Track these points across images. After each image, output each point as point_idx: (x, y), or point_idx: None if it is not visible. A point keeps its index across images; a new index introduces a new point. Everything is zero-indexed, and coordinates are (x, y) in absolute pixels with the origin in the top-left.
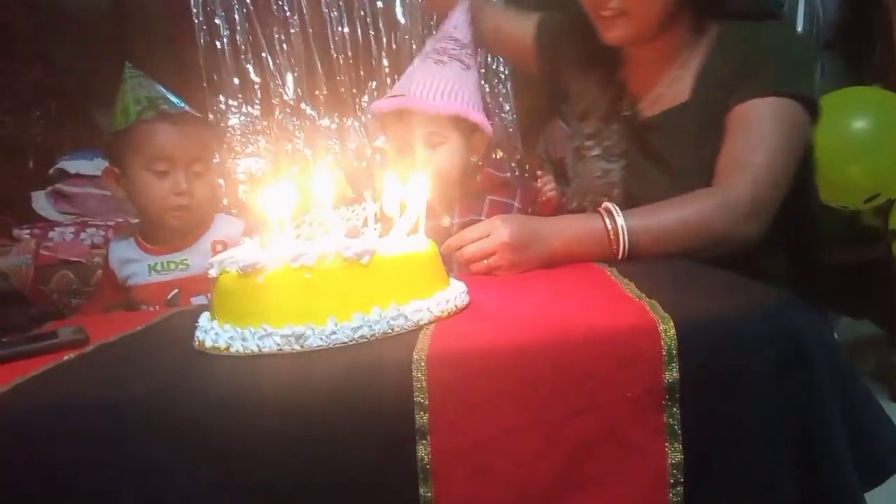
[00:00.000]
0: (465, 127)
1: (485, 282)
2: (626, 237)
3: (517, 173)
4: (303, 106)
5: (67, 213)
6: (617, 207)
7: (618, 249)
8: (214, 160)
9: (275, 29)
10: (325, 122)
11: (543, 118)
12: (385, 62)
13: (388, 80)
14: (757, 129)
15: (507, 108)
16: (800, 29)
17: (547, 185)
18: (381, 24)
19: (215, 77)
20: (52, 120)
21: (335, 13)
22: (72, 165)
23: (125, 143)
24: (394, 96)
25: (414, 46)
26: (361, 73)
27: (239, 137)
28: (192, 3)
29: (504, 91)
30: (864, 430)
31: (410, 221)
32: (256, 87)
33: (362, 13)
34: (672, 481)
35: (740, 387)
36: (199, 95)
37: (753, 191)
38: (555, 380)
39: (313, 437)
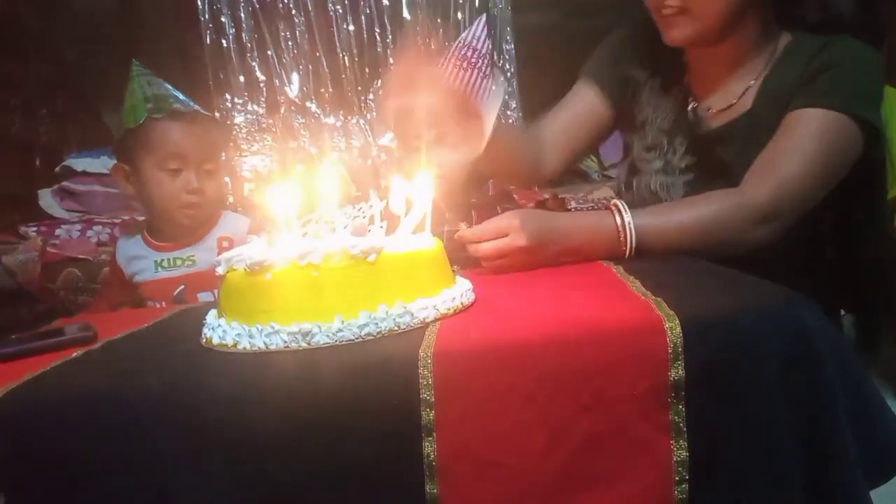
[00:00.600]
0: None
1: (491, 279)
2: (633, 234)
3: None
4: (308, 104)
5: (74, 211)
6: (625, 205)
7: (626, 246)
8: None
9: (280, 28)
10: (331, 120)
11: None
12: (390, 61)
13: None
14: (798, 137)
15: (514, 105)
16: None
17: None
18: (386, 23)
19: (221, 75)
20: (58, 118)
21: (340, 11)
22: (78, 163)
23: (136, 141)
24: (412, 95)
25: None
26: (366, 71)
27: (244, 135)
28: (199, 1)
29: (510, 89)
30: (871, 427)
31: (417, 219)
32: (262, 85)
33: (367, 12)
34: (677, 478)
35: (746, 384)
36: (205, 94)
37: (775, 196)
38: (560, 377)
39: (320, 433)
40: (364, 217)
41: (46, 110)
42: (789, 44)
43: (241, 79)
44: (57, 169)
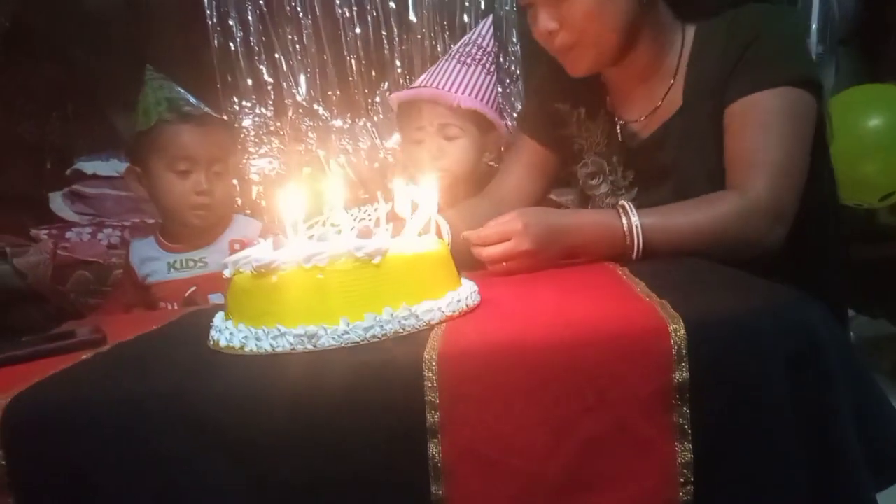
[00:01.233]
0: (482, 125)
1: (496, 281)
2: (640, 236)
3: None
4: (315, 107)
5: (84, 214)
6: (632, 206)
7: (632, 248)
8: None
9: (288, 30)
10: (338, 122)
11: None
12: (397, 63)
13: (401, 81)
14: (764, 126)
15: (519, 106)
16: (814, 25)
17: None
18: (393, 25)
19: (229, 78)
20: (69, 121)
21: (347, 14)
22: (89, 166)
23: (148, 143)
24: (416, 87)
25: (426, 47)
26: (374, 74)
27: (252, 138)
28: (206, 4)
29: (516, 91)
30: (877, 429)
31: (422, 221)
32: (270, 88)
33: (375, 14)
34: (682, 480)
35: (751, 386)
36: (213, 97)
37: (774, 193)
38: (565, 378)
39: (326, 435)
40: (370, 219)
41: (56, 113)
42: (698, 31)
43: (249, 82)
44: (67, 172)
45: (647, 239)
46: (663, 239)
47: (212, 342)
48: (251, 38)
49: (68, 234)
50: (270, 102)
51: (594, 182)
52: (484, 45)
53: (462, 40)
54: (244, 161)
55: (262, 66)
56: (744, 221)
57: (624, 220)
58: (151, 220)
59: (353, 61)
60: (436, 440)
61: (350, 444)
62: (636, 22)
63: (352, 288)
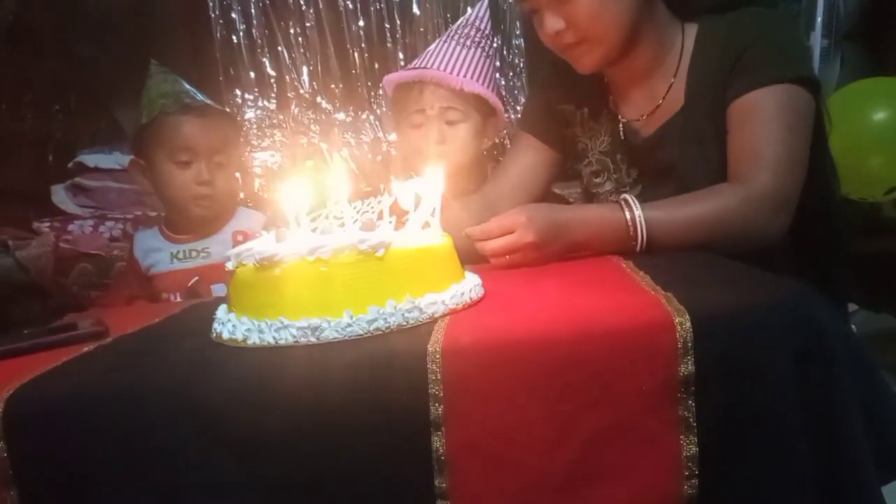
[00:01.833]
0: (483, 109)
1: (500, 274)
2: (643, 229)
3: None
4: (318, 99)
5: (86, 207)
6: (635, 199)
7: (636, 241)
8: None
9: (290, 23)
10: (341, 115)
11: None
12: (400, 55)
13: None
14: (765, 121)
15: (522, 99)
16: (819, 18)
17: None
18: (396, 18)
19: (231, 71)
20: (71, 114)
21: (350, 7)
22: (91, 159)
23: (149, 135)
24: (416, 68)
25: (430, 40)
26: (377, 67)
27: (255, 131)
28: None
29: (519, 84)
30: (883, 423)
31: (426, 214)
32: (272, 80)
33: (377, 6)
34: (687, 474)
35: (757, 379)
36: (215, 90)
37: (775, 184)
38: (570, 372)
39: (329, 428)
40: (373, 212)
41: (59, 106)
42: (699, 32)
43: (252, 74)
44: (69, 165)
45: (650, 231)
46: (667, 231)
47: (214, 335)
48: (254, 31)
49: (70, 227)
50: (273, 95)
51: (598, 180)
52: (482, 27)
53: (459, 22)
54: (247, 154)
55: (264, 59)
56: (746, 211)
57: (627, 213)
58: (153, 213)
59: (356, 54)
60: (439, 433)
61: (353, 437)
62: (638, 18)
63: (355, 281)
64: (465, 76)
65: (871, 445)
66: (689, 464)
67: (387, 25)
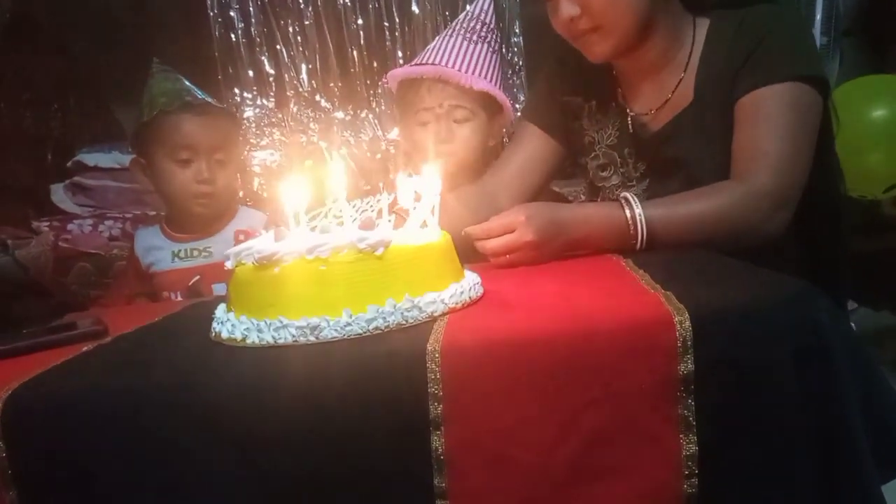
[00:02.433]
0: (490, 108)
1: (499, 273)
2: (644, 227)
3: None
4: (317, 98)
5: (85, 206)
6: (635, 197)
7: (636, 239)
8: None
9: (289, 21)
10: (340, 114)
11: None
12: (399, 54)
13: None
14: (770, 119)
15: (522, 98)
16: (818, 15)
17: None
18: (395, 16)
19: (230, 69)
20: (70, 113)
21: (349, 4)
22: (90, 158)
23: (149, 134)
24: (422, 64)
25: (429, 38)
26: (376, 65)
27: (254, 129)
28: None
29: (518, 81)
30: (884, 421)
31: (425, 213)
32: (271, 79)
33: (376, 4)
34: (686, 472)
35: (756, 377)
36: (214, 88)
37: (777, 181)
38: (569, 370)
39: (328, 427)
40: (372, 211)
41: (58, 105)
42: (710, 28)
43: (251, 73)
44: (69, 164)
45: (650, 229)
46: (667, 229)
47: (213, 334)
48: (252, 29)
49: (69, 226)
50: (272, 94)
51: (605, 174)
52: (487, 21)
53: (463, 15)
54: (246, 152)
55: (263, 57)
56: (746, 208)
57: (627, 211)
58: (153, 212)
59: (354, 52)
60: (439, 432)
61: (352, 436)
62: (653, 9)
63: (354, 279)
64: (473, 73)
65: (871, 443)
66: (689, 462)
67: (385, 23)
